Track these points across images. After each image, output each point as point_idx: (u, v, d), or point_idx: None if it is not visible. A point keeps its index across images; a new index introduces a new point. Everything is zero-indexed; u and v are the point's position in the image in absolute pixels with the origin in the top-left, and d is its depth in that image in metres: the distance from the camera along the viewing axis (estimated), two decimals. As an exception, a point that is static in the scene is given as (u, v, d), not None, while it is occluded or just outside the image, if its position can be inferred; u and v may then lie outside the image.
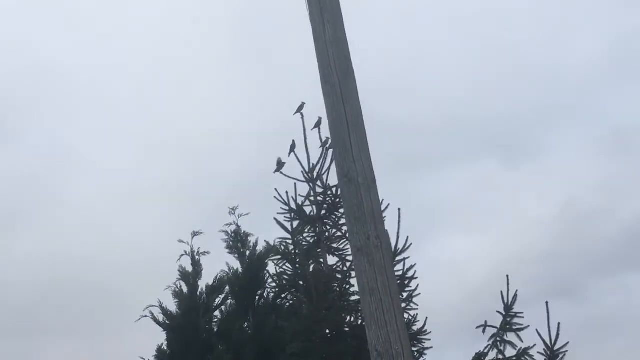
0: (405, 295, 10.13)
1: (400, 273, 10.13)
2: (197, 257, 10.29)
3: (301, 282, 10.40)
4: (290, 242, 10.76)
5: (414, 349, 10.00)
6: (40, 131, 24.33)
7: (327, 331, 10.22)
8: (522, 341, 10.21)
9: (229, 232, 10.51)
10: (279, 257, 10.64)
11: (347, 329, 10.41)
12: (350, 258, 10.85)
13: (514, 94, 24.40)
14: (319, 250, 10.91)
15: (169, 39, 24.95)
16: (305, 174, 11.28)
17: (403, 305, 9.71)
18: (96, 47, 24.37)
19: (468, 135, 24.45)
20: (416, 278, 10.36)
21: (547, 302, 10.10)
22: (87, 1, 24.15)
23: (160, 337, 10.07)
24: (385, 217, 7.47)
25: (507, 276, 10.42)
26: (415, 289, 10.35)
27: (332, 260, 11.03)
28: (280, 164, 11.29)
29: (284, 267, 10.65)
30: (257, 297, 10.17)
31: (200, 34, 24.33)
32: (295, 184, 11.19)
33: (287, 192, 11.06)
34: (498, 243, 21.94)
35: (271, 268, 10.54)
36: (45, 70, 23.66)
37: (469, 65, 24.02)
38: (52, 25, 24.59)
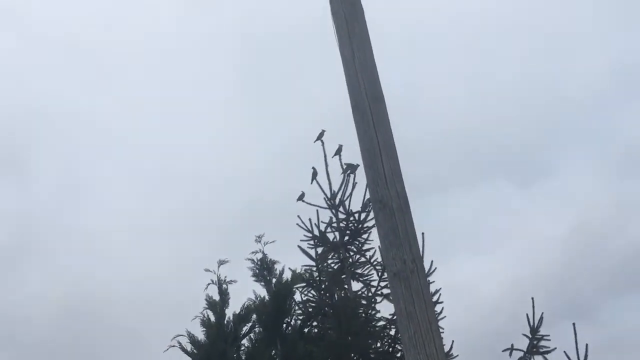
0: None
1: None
2: (224, 285, 10.30)
3: (327, 309, 10.41)
4: (314, 269, 10.80)
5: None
6: (52, 166, 24.46)
7: (354, 356, 10.22)
8: (550, 364, 10.21)
9: (255, 260, 10.54)
10: (304, 284, 10.67)
11: (372, 356, 10.41)
12: (374, 283, 10.88)
13: (524, 115, 24.50)
14: (343, 277, 10.92)
15: (181, 68, 25.14)
16: (328, 201, 11.32)
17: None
18: (104, 81, 24.59)
19: (478, 158, 24.53)
20: (441, 302, 10.40)
21: (574, 324, 10.05)
22: (90, 37, 24.43)
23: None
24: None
25: (532, 299, 10.42)
26: (441, 312, 10.38)
27: (356, 286, 11.08)
28: (301, 195, 11.36)
29: (309, 294, 10.68)
30: (284, 325, 10.15)
31: (217, 60, 24.53)
32: (317, 210, 11.24)
33: (310, 220, 11.12)
34: (511, 265, 21.86)
35: (297, 295, 10.55)
36: (55, 106, 23.86)
37: (478, 87, 24.17)
38: (56, 62, 24.84)
